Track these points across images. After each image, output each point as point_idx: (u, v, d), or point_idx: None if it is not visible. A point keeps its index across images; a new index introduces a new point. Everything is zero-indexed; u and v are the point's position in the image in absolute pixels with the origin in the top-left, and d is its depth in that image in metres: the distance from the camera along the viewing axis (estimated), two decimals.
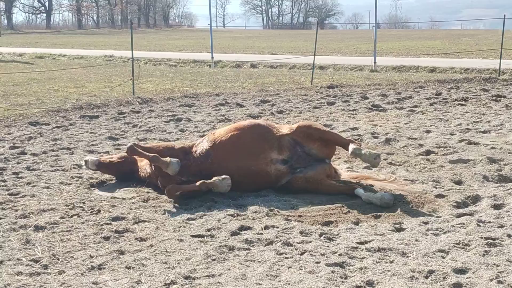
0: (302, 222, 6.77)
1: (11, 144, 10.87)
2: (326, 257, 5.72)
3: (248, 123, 8.14)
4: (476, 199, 7.38)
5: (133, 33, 19.54)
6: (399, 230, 6.49)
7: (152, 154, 7.68)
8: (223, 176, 7.51)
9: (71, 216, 7.08)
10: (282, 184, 7.86)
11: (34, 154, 10.21)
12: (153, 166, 7.91)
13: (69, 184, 8.55)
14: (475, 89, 17.26)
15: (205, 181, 7.54)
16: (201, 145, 7.95)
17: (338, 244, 6.08)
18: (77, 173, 9.10)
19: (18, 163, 9.65)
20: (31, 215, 7.10)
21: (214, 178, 7.53)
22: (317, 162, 7.89)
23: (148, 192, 7.99)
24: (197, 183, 7.54)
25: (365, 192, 7.49)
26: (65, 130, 12.39)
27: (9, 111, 14.41)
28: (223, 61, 30.17)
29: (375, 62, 25.67)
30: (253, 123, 8.16)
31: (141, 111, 14.71)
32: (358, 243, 6.06)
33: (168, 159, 7.57)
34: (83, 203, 7.62)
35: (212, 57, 29.34)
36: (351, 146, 7.68)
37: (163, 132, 12.27)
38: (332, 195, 7.66)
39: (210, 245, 6.03)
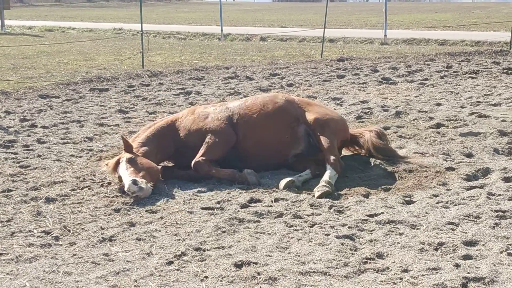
0: (312, 194, 6.78)
1: (22, 117, 10.91)
2: (336, 229, 5.74)
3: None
4: (486, 172, 7.36)
5: (142, 5, 19.45)
6: (409, 202, 6.50)
7: (230, 171, 7.30)
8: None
9: (82, 189, 7.12)
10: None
11: (44, 127, 10.24)
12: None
13: (80, 156, 8.59)
14: (486, 62, 17.10)
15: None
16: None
17: (347, 216, 6.09)
18: (87, 146, 9.13)
19: (29, 135, 9.69)
20: (42, 187, 7.15)
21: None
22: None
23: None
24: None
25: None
26: (75, 103, 12.40)
27: (19, 84, 14.44)
28: (233, 34, 30.00)
29: (385, 35, 25.43)
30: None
31: (151, 84, 14.69)
32: (367, 215, 6.07)
33: (244, 172, 7.22)
34: (94, 175, 7.66)
35: (222, 30, 29.15)
36: (327, 171, 7.19)
37: (173, 105, 12.27)
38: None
39: (220, 217, 6.06)
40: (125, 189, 6.63)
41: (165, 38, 30.49)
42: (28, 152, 8.77)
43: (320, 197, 6.67)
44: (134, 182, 6.57)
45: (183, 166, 7.61)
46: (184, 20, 44.50)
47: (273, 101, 7.82)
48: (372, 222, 5.89)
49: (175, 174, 7.55)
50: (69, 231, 5.84)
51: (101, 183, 7.31)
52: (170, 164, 7.95)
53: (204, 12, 55.79)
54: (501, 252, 5.10)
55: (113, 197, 6.80)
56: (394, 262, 4.99)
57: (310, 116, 7.67)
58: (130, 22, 39.51)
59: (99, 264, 5.08)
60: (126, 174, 6.82)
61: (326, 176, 7.06)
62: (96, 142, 9.41)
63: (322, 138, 7.50)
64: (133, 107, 12.04)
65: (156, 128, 7.71)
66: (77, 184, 7.28)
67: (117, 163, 7.08)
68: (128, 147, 7.17)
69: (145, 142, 7.48)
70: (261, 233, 5.70)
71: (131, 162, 6.99)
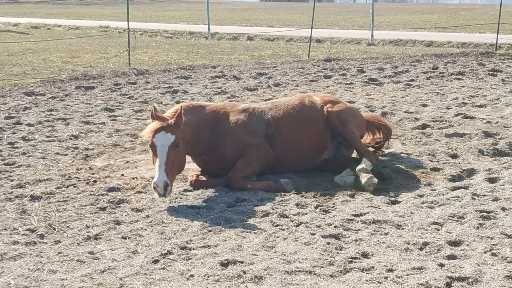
0: (298, 194, 6.80)
1: (7, 114, 10.84)
2: (322, 229, 5.75)
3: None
4: (471, 172, 7.42)
5: (129, 3, 19.38)
6: (394, 202, 6.53)
7: (265, 183, 7.09)
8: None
9: (67, 187, 7.09)
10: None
11: (29, 125, 10.19)
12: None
13: (65, 154, 8.56)
14: (472, 63, 17.21)
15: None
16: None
17: (333, 216, 6.11)
18: (73, 144, 9.09)
19: (14, 133, 9.63)
20: (27, 185, 7.11)
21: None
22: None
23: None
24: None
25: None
26: (61, 101, 12.34)
27: (4, 81, 14.34)
28: (220, 33, 29.97)
29: (372, 36, 25.53)
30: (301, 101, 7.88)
31: (137, 82, 14.65)
32: (353, 215, 6.10)
33: (280, 182, 7.08)
34: (79, 173, 7.63)
35: (209, 29, 29.10)
36: (364, 160, 7.34)
37: (159, 104, 12.24)
38: None
39: (207, 216, 6.06)
40: (153, 181, 6.29)
41: (152, 36, 30.39)
42: (13, 149, 8.71)
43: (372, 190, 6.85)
44: (165, 186, 6.25)
45: (209, 172, 7.38)
46: (171, 18, 44.39)
47: (305, 111, 7.71)
48: (358, 221, 5.92)
49: (205, 184, 7.13)
50: (54, 229, 5.81)
51: (86, 181, 7.28)
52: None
53: (191, 11, 55.67)
54: (485, 252, 5.14)
55: (98, 195, 6.77)
56: (379, 261, 5.02)
57: (332, 116, 7.66)
58: (117, 20, 39.34)
59: (84, 262, 5.06)
60: (162, 163, 6.36)
61: (364, 165, 7.17)
62: (81, 140, 9.37)
63: (348, 135, 7.62)
64: (119, 106, 12.00)
65: (201, 117, 7.23)
66: (62, 182, 7.24)
67: (159, 130, 6.52)
68: (179, 121, 6.64)
69: (186, 125, 6.88)
70: (247, 232, 5.71)
71: (173, 148, 6.51)
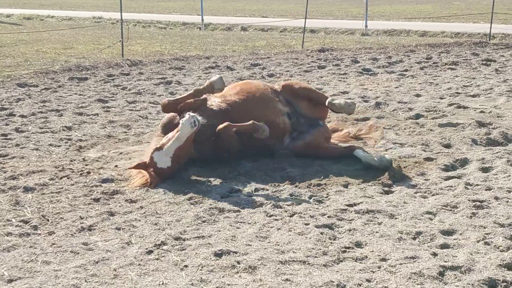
0: (292, 184, 6.80)
1: None
2: (315, 219, 5.76)
3: (250, 82, 8.41)
4: (464, 162, 7.44)
5: None
6: (388, 192, 6.55)
7: (251, 122, 7.15)
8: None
9: (61, 178, 7.07)
10: (285, 146, 7.80)
11: (22, 116, 10.15)
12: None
13: (58, 146, 8.53)
14: (466, 53, 17.22)
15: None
16: (214, 101, 7.84)
17: (327, 206, 6.12)
18: (66, 135, 9.07)
19: (7, 124, 9.60)
20: (20, 176, 7.09)
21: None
22: (312, 126, 7.90)
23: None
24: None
25: (364, 153, 7.47)
26: (54, 92, 12.30)
27: None
28: (213, 23, 29.89)
29: (366, 26, 25.51)
30: (253, 81, 8.43)
31: (131, 73, 14.60)
32: (347, 205, 6.11)
33: (261, 124, 7.14)
34: (73, 165, 7.61)
35: (202, 20, 29.02)
36: (327, 100, 7.89)
37: (153, 95, 12.21)
38: (332, 158, 7.66)
39: (200, 207, 6.06)
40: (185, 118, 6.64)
41: (145, 27, 30.29)
42: (6, 141, 8.68)
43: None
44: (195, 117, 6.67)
45: (204, 154, 7.41)
46: (165, 9, 44.23)
47: (260, 90, 7.98)
48: (351, 211, 5.93)
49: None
50: (48, 220, 5.80)
51: (80, 173, 7.26)
52: None
53: (184, 1, 55.44)
54: (478, 241, 5.16)
55: (92, 186, 6.76)
56: (372, 251, 5.03)
57: (287, 85, 8.22)
58: (110, 10, 39.17)
59: (78, 253, 5.07)
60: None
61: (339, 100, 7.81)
62: (75, 131, 9.34)
63: (305, 89, 8.18)
64: (113, 97, 11.96)
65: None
66: (55, 173, 7.23)
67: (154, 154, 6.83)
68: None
69: None
70: (241, 222, 5.71)
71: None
